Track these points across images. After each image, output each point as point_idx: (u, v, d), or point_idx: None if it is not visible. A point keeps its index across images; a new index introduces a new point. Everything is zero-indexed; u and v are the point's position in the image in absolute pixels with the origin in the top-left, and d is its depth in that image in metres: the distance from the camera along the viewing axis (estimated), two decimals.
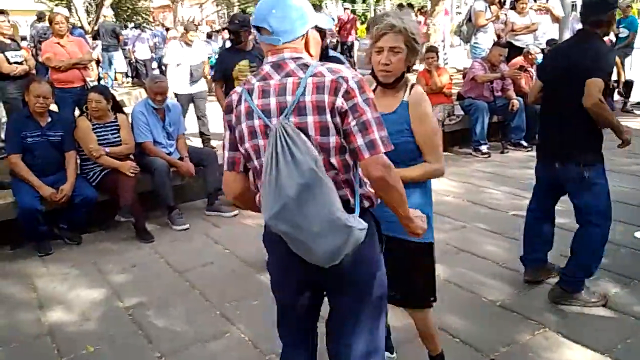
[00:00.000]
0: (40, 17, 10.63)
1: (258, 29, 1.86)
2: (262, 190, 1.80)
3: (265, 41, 1.86)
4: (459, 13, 21.30)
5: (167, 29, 17.86)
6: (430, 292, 2.55)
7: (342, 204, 1.78)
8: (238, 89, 1.90)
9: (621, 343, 2.93)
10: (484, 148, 7.05)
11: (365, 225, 1.78)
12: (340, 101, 1.74)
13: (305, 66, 1.81)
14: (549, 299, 3.38)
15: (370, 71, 2.42)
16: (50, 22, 6.67)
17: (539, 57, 7.70)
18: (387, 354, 2.77)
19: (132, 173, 4.74)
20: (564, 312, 3.28)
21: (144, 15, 26.55)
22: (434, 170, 2.37)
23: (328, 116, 1.74)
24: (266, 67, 1.85)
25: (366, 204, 1.89)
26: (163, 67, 15.21)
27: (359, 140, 1.74)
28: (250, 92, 1.84)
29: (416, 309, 2.59)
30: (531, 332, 3.08)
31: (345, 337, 2.01)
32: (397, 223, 2.04)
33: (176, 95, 6.94)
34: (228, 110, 1.90)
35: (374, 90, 2.34)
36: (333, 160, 1.79)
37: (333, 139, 1.76)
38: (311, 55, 1.90)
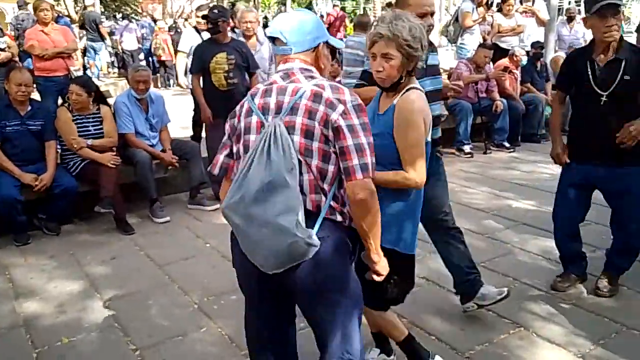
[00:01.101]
0: (20, 5, 10.51)
1: (273, 40, 2.00)
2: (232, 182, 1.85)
3: (278, 52, 2.00)
4: (447, 13, 21.35)
5: (155, 21, 17.75)
6: (380, 299, 2.47)
7: (311, 210, 1.83)
8: (245, 99, 2.01)
9: (595, 344, 2.97)
10: (467, 148, 7.10)
11: (316, 243, 1.79)
12: (336, 116, 1.81)
13: (311, 77, 1.92)
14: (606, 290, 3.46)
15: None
16: (35, 9, 6.61)
17: (524, 59, 7.77)
18: (383, 356, 2.79)
19: (112, 164, 4.70)
20: (539, 312, 3.31)
21: (132, 6, 26.35)
22: (404, 179, 2.27)
23: (316, 123, 1.81)
24: (275, 76, 1.97)
25: (338, 218, 1.90)
26: (150, 59, 15.23)
27: (355, 161, 1.80)
28: (253, 95, 1.97)
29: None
30: (507, 332, 3.11)
31: (320, 341, 2.05)
32: None
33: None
34: (232, 115, 2.02)
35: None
36: (314, 164, 1.83)
37: (316, 145, 1.82)
38: (321, 68, 2.02)
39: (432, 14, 2.81)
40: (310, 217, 1.82)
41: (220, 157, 2.04)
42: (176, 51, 15.03)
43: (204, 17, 5.52)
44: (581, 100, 3.33)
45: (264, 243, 1.80)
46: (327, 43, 2.03)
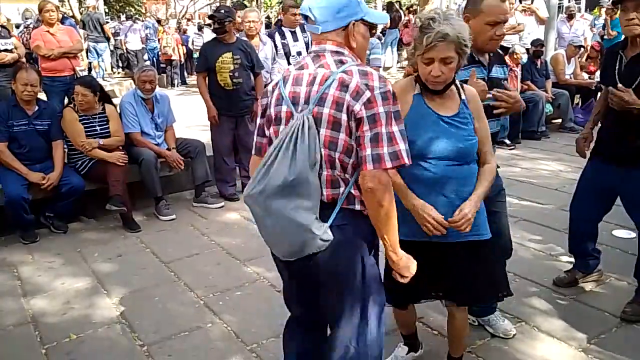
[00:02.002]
0: None
1: (305, 17, 1.95)
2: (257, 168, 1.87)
3: (309, 29, 1.96)
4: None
5: (159, 21, 17.85)
6: (491, 288, 2.51)
7: (327, 202, 1.85)
8: (276, 77, 1.98)
9: (595, 338, 3.00)
10: None
11: (330, 237, 1.82)
12: (358, 107, 1.78)
13: (340, 63, 1.86)
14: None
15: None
16: (40, 10, 6.66)
17: (524, 58, 7.79)
18: (412, 354, 2.81)
19: (121, 163, 4.76)
20: (540, 307, 3.34)
21: (136, 6, 26.43)
22: (493, 171, 2.33)
23: (344, 115, 1.80)
24: (307, 58, 1.94)
25: (357, 207, 1.91)
26: (154, 59, 15.31)
27: (367, 151, 1.77)
28: (285, 80, 1.92)
29: (461, 307, 2.55)
30: None
31: (331, 329, 2.07)
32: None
33: None
34: (264, 95, 2.01)
35: (420, 94, 2.29)
36: (337, 156, 1.84)
37: (342, 136, 1.82)
38: (352, 49, 1.93)
39: (504, 22, 2.59)
40: (326, 208, 1.85)
41: (255, 137, 2.06)
42: (186, 52, 15.27)
43: (210, 17, 5.56)
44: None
45: (280, 234, 1.84)
46: (362, 20, 1.93)
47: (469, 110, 2.29)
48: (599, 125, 3.40)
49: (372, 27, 1.99)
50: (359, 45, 1.94)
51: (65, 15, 11.40)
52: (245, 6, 7.38)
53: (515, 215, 4.88)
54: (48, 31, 6.48)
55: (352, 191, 1.88)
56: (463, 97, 2.29)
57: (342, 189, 1.87)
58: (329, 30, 1.89)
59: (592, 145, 3.40)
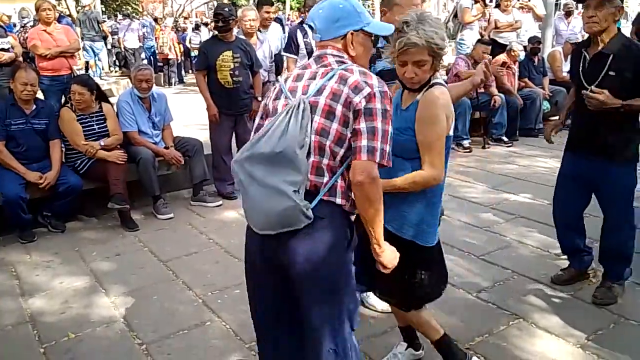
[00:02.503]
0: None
1: (311, 27, 2.05)
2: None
3: (313, 38, 2.08)
4: (445, 9, 21.35)
5: (156, 19, 17.84)
6: (410, 297, 2.47)
7: (310, 190, 1.87)
8: (280, 78, 2.05)
9: (592, 335, 3.01)
10: (465, 143, 7.15)
11: (310, 215, 1.83)
12: (358, 99, 1.85)
13: (341, 62, 1.97)
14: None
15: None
16: (37, 9, 6.65)
17: (522, 55, 7.81)
18: (411, 350, 2.80)
19: (121, 161, 4.76)
20: (538, 304, 3.35)
21: (133, 5, 26.38)
22: (423, 179, 2.27)
23: (339, 106, 1.86)
24: (310, 60, 2.04)
25: (339, 200, 1.93)
26: (152, 57, 15.30)
27: (363, 142, 1.83)
28: (286, 79, 2.04)
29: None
30: (506, 323, 3.15)
31: (306, 330, 2.03)
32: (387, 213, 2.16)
33: None
34: (266, 97, 2.09)
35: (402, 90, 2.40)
36: (327, 144, 1.88)
37: (335, 126, 1.87)
38: (352, 56, 2.01)
39: None
40: (309, 195, 1.87)
41: (252, 135, 2.09)
42: (183, 51, 15.26)
43: (215, 14, 5.53)
44: (576, 91, 3.29)
45: (260, 202, 1.86)
46: (362, 30, 2.01)
47: (415, 111, 2.30)
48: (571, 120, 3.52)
49: (373, 39, 2.07)
50: (358, 54, 2.03)
51: (62, 14, 11.39)
52: (272, 3, 7.27)
53: (513, 212, 4.90)
54: (45, 30, 6.48)
55: (338, 181, 1.92)
56: (418, 97, 2.31)
57: (326, 179, 1.90)
58: (328, 38, 2.00)
59: (560, 135, 3.58)
